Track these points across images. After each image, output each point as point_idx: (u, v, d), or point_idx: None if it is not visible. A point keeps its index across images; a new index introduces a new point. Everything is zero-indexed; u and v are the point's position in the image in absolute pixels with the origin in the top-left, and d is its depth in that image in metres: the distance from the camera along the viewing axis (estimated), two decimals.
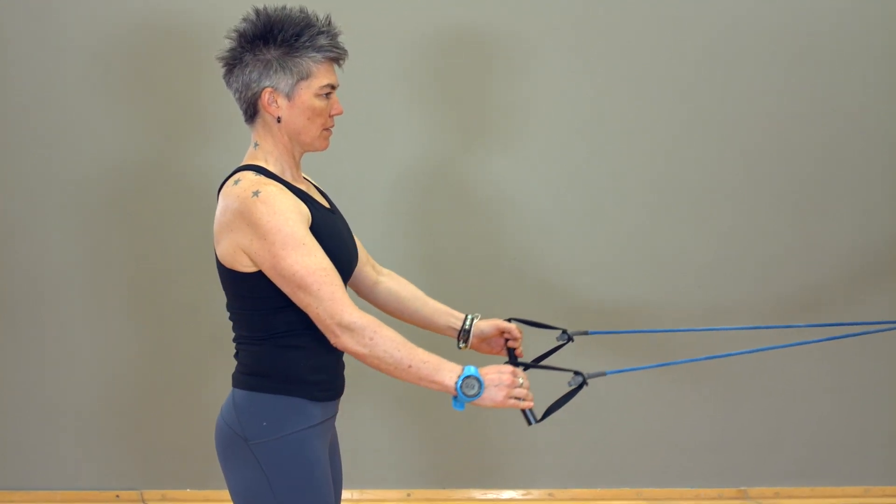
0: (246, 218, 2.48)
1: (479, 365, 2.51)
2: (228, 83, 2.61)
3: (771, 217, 4.76)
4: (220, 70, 2.63)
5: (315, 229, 2.55)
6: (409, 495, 4.76)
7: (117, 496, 4.68)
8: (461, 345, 2.94)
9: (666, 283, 4.75)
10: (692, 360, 3.07)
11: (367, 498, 4.73)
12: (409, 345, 2.47)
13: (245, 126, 2.68)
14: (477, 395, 2.45)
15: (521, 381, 2.49)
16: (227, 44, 2.59)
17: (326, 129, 2.65)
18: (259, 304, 2.56)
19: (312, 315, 2.48)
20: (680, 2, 4.66)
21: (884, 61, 4.73)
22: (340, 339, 2.46)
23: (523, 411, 2.53)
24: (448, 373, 2.45)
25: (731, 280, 4.76)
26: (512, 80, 4.64)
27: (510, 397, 2.47)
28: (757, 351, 2.98)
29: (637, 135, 4.70)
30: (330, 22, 2.59)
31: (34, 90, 4.53)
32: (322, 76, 2.58)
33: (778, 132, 4.73)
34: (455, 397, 2.46)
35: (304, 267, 2.45)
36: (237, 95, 2.60)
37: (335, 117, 2.65)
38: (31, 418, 4.65)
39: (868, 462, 4.88)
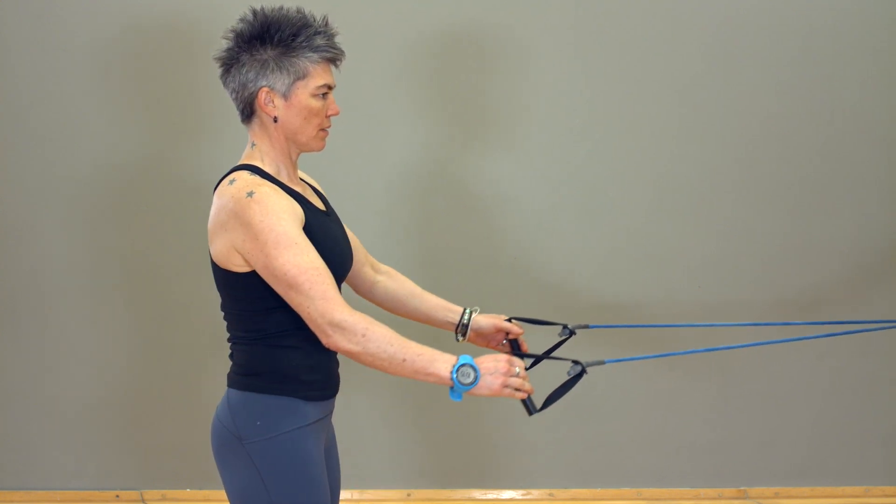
0: (240, 218, 2.48)
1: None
2: (225, 83, 2.61)
3: (769, 216, 4.76)
4: (218, 70, 2.64)
5: (308, 231, 2.55)
6: (409, 495, 4.76)
7: (117, 496, 4.68)
8: (459, 338, 2.94)
9: (664, 283, 4.75)
10: (692, 352, 3.07)
11: (367, 498, 4.73)
12: (402, 339, 2.45)
13: (244, 126, 2.69)
14: (473, 383, 2.43)
15: (517, 370, 2.46)
16: (224, 44, 2.60)
17: (323, 130, 2.65)
18: (253, 304, 2.56)
19: (304, 315, 2.47)
20: (678, 0, 4.66)
21: (883, 60, 4.73)
22: (332, 339, 2.45)
23: (523, 401, 2.51)
24: (443, 363, 2.43)
25: (730, 279, 4.76)
26: (510, 79, 4.64)
27: (506, 386, 2.45)
28: (760, 344, 2.98)
29: (635, 134, 4.70)
30: (327, 22, 2.60)
31: (34, 89, 4.53)
32: (319, 76, 2.58)
33: (776, 131, 4.73)
34: (451, 388, 2.44)
35: (296, 266, 2.45)
36: (234, 95, 2.61)
37: (332, 118, 2.66)
38: (31, 418, 4.66)
39: (868, 462, 4.88)
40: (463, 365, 2.43)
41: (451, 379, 2.43)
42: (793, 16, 4.69)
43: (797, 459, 4.86)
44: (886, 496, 4.86)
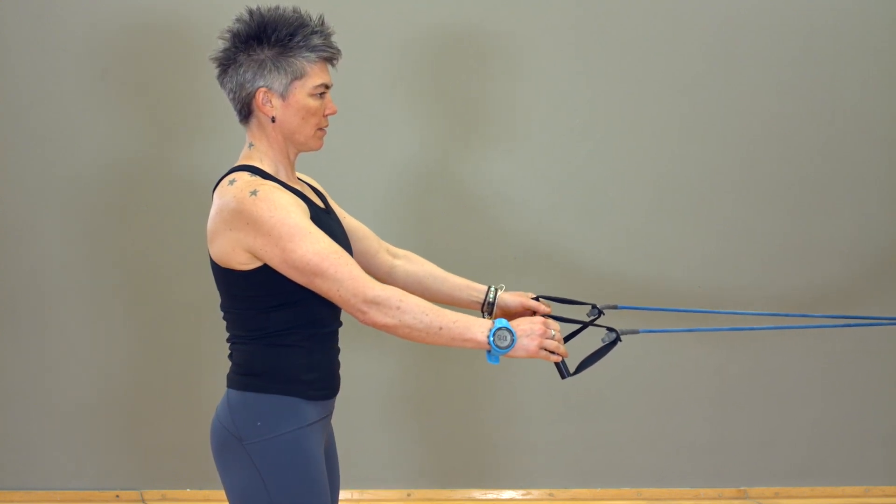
0: (246, 217, 2.48)
1: None
2: (222, 83, 2.61)
3: (769, 216, 4.76)
4: (214, 71, 2.64)
5: None
6: (409, 495, 4.76)
7: (117, 496, 4.68)
8: (485, 317, 2.92)
9: (665, 283, 4.74)
10: (722, 329, 3.08)
11: (366, 498, 4.73)
12: (437, 308, 2.47)
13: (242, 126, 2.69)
14: (510, 346, 2.45)
15: (553, 332, 2.49)
16: (221, 44, 2.60)
17: (321, 129, 2.65)
18: (253, 304, 2.56)
19: (335, 298, 2.47)
20: (678, 0, 4.66)
21: (884, 60, 4.73)
22: (368, 315, 2.45)
23: (556, 365, 2.54)
24: (479, 328, 2.46)
25: (731, 279, 4.76)
26: (510, 78, 4.63)
27: (542, 347, 2.48)
28: (783, 328, 3.02)
29: (635, 134, 4.70)
30: (323, 22, 2.60)
31: (34, 89, 4.53)
32: (316, 76, 2.58)
33: (777, 131, 4.73)
34: (489, 352, 2.47)
35: (316, 254, 2.45)
36: (231, 96, 2.61)
37: (329, 117, 2.66)
38: (30, 418, 4.66)
39: (868, 462, 4.88)
40: (500, 328, 2.46)
41: (489, 343, 2.45)
42: (793, 16, 4.68)
43: (797, 459, 4.86)
44: (886, 496, 4.85)
